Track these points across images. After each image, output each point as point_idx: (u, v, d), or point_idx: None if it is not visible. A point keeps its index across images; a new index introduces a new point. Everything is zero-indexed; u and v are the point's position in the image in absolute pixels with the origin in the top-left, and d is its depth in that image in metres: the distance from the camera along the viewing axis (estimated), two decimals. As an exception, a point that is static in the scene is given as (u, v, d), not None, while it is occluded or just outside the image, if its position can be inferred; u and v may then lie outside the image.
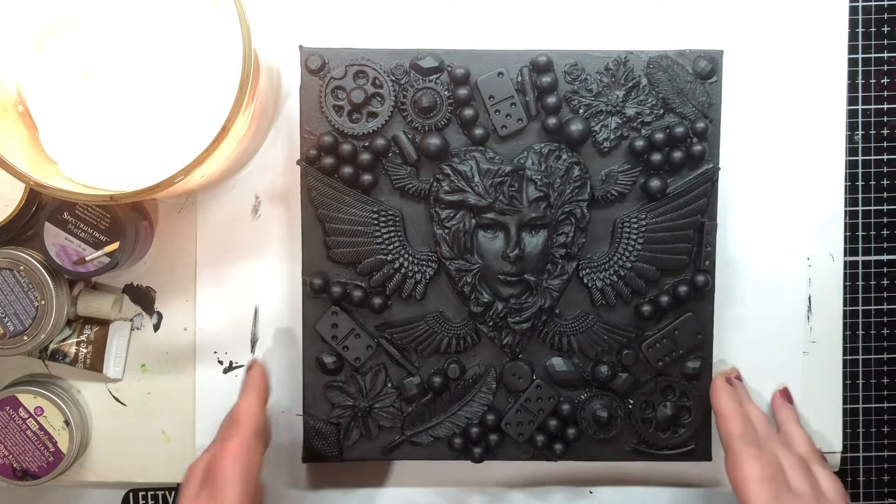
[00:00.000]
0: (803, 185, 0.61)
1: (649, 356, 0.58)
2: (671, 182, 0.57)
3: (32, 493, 0.62)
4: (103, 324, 0.60)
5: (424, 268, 0.57)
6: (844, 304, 0.62)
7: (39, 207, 0.57)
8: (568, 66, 0.56)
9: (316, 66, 0.56)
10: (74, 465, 0.59)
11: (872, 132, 0.62)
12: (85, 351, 0.59)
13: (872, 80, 0.62)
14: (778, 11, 0.60)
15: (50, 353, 0.59)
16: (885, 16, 0.61)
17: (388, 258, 0.57)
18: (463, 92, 0.56)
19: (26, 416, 0.58)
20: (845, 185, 0.62)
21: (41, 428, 0.58)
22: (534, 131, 0.57)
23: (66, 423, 0.58)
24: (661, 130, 0.56)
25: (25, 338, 0.56)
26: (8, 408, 0.58)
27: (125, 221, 0.55)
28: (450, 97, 0.56)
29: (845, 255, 0.62)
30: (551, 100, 0.56)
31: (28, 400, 0.58)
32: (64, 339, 0.59)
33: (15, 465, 0.58)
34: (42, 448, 0.58)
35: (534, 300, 0.57)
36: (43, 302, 0.55)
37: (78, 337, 0.59)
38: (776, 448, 0.54)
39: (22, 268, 0.55)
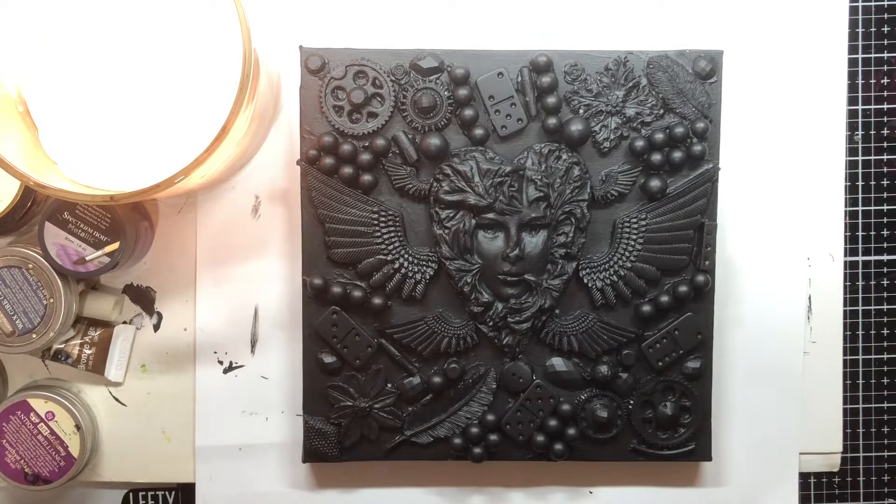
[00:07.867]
0: (803, 186, 0.61)
1: (649, 356, 0.58)
2: (671, 182, 0.57)
3: (32, 493, 0.61)
4: (108, 326, 0.60)
5: (424, 268, 0.57)
6: (844, 304, 0.62)
7: (35, 203, 0.57)
8: (568, 67, 0.56)
9: (316, 66, 0.56)
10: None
11: (872, 132, 0.62)
12: (88, 352, 0.59)
13: (872, 80, 0.62)
14: (778, 11, 0.60)
15: (53, 353, 0.59)
16: (885, 16, 0.61)
17: (388, 258, 0.57)
18: (463, 92, 0.56)
19: (37, 421, 0.57)
20: (845, 185, 0.62)
21: (52, 432, 0.58)
22: (534, 131, 0.57)
23: (77, 427, 0.58)
24: (661, 130, 0.56)
25: (34, 336, 0.56)
26: (19, 412, 0.57)
27: (125, 221, 0.55)
28: (450, 97, 0.56)
29: (845, 255, 0.62)
30: (551, 100, 0.56)
31: (39, 404, 0.57)
32: (68, 340, 0.59)
33: (27, 470, 0.57)
34: (53, 452, 0.58)
35: (534, 300, 0.57)
36: (52, 300, 0.55)
37: (82, 338, 0.59)
38: None
39: (30, 266, 0.55)
